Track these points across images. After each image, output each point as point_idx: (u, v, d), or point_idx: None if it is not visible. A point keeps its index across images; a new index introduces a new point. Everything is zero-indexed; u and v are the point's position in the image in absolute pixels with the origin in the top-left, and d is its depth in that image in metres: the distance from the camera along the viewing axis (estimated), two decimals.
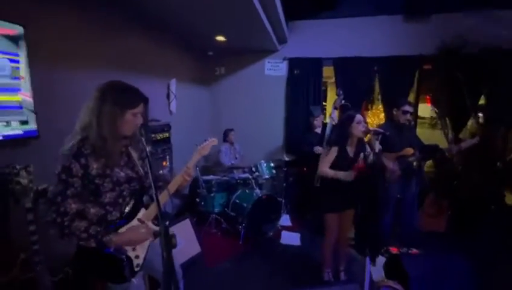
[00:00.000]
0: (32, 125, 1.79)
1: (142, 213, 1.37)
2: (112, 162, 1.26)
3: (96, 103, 1.20)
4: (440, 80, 3.68)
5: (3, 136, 1.61)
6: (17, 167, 1.27)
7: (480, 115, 3.72)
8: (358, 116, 2.24)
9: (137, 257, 1.34)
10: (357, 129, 2.22)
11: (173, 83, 3.57)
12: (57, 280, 1.48)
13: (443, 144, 3.73)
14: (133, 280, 1.31)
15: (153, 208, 1.38)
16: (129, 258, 1.31)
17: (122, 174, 1.29)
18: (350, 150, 2.28)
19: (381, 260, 2.64)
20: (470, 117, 3.71)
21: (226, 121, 4.65)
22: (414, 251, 2.80)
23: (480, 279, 2.17)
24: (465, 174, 3.55)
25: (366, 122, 2.34)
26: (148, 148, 1.18)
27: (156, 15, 2.79)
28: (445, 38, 3.53)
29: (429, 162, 3.77)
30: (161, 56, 3.40)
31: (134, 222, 1.34)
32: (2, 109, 1.61)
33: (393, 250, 2.85)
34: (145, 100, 1.28)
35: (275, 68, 4.52)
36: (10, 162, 1.38)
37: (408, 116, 2.80)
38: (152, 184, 1.09)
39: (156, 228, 1.37)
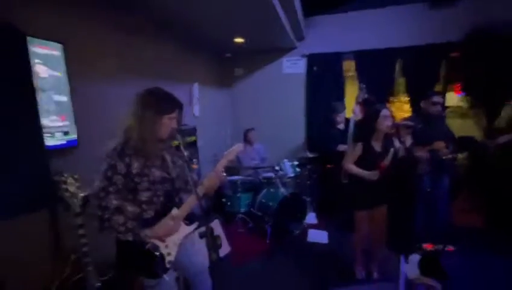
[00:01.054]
0: (73, 136, 1.91)
1: (174, 213, 1.44)
2: (150, 162, 1.36)
3: (137, 108, 1.31)
4: (470, 67, 3.50)
5: (49, 146, 1.73)
6: (65, 175, 1.37)
7: None
8: (385, 111, 2.19)
9: (169, 254, 1.42)
10: (383, 124, 2.16)
11: (195, 87, 3.66)
12: (105, 280, 1.57)
13: (475, 133, 3.56)
14: (165, 276, 1.39)
15: (184, 208, 1.45)
16: (162, 255, 1.38)
17: (157, 174, 1.38)
18: (377, 145, 2.23)
19: (415, 257, 2.57)
20: (505, 105, 3.49)
21: (246, 121, 4.68)
22: (450, 247, 2.69)
23: None
24: (503, 168, 3.34)
25: (393, 117, 2.28)
26: (186, 153, 1.24)
27: (180, 24, 2.88)
28: (474, 22, 3.35)
29: (463, 155, 3.59)
30: (184, 62, 3.51)
31: None
32: None
33: (428, 247, 2.75)
34: (180, 106, 1.38)
35: (293, 66, 4.49)
36: (54, 170, 1.50)
37: (438, 107, 2.70)
38: (192, 184, 1.16)
39: (190, 228, 1.48)
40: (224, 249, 2.76)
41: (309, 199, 3.80)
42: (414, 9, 3.77)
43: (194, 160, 3.09)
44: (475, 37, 3.36)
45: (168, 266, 1.41)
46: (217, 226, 2.79)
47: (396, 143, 2.30)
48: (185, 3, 2.38)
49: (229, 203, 3.61)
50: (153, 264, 1.35)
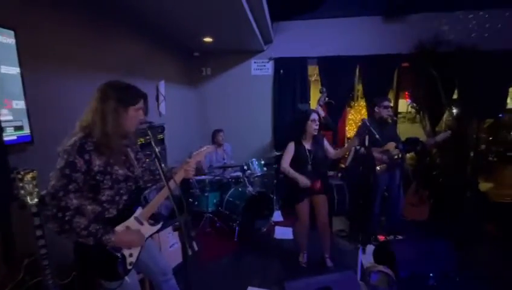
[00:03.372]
0: (26, 131, 1.77)
1: (139, 212, 1.41)
2: (114, 159, 1.29)
3: (98, 102, 1.24)
4: (417, 77, 3.92)
5: None
6: (22, 172, 1.28)
7: (454, 109, 4.00)
8: (313, 115, 2.48)
9: (131, 255, 1.37)
10: (311, 127, 2.46)
11: (162, 84, 3.57)
12: (65, 283, 1.48)
13: (421, 137, 3.98)
14: (126, 278, 1.34)
15: (149, 207, 1.42)
16: (123, 256, 1.34)
17: (121, 172, 1.32)
18: (307, 144, 2.52)
19: (369, 248, 2.81)
20: (445, 111, 3.98)
21: (213, 121, 4.69)
22: (399, 238, 2.99)
23: (458, 258, 2.40)
24: (443, 165, 3.81)
25: (320, 120, 2.54)
26: (157, 149, 1.22)
27: (145, 18, 2.80)
28: (421, 37, 3.77)
29: (410, 155, 4.00)
30: (150, 58, 3.40)
31: (131, 220, 1.38)
32: None
33: (381, 238, 3.02)
34: (144, 96, 1.35)
35: (261, 68, 4.61)
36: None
37: (390, 111, 2.98)
38: (164, 179, 1.14)
39: (154, 228, 1.46)
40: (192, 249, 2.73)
41: (275, 197, 3.92)
42: (372, 21, 4.10)
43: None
44: (420, 51, 3.78)
45: (129, 267, 1.36)
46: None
47: (325, 142, 2.61)
48: (152, 2, 2.35)
49: (196, 203, 3.58)
50: (114, 266, 1.30)
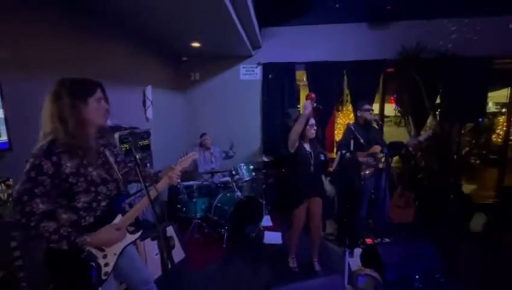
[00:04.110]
0: (4, 138, 1.72)
1: (118, 219, 1.37)
2: (88, 160, 1.24)
3: (53, 104, 1.19)
4: (401, 82, 4.01)
5: None
6: None
7: (438, 113, 4.10)
8: (312, 120, 2.57)
9: (106, 264, 1.31)
10: (309, 131, 2.56)
11: (149, 89, 3.53)
12: None
13: (406, 140, 4.07)
14: (100, 289, 1.29)
15: (129, 215, 1.39)
16: (98, 265, 1.28)
17: (94, 173, 1.27)
18: (307, 146, 2.61)
19: (357, 251, 2.83)
20: (429, 115, 4.08)
21: (203, 126, 4.65)
22: (386, 240, 3.02)
23: (443, 259, 2.42)
24: (427, 168, 3.89)
25: (316, 125, 2.65)
26: (137, 156, 1.20)
27: (131, 23, 2.77)
28: (405, 44, 3.87)
29: (396, 158, 4.07)
30: (136, 63, 3.36)
31: None
32: None
33: (368, 241, 3.05)
34: (99, 84, 1.30)
35: (250, 73, 4.62)
36: None
37: (371, 113, 3.02)
38: (143, 185, 1.11)
39: (133, 237, 1.42)
40: (179, 256, 2.69)
41: (264, 202, 3.92)
42: (357, 28, 4.19)
43: (147, 164, 2.98)
44: (404, 57, 3.88)
45: (104, 277, 1.30)
46: (170, 232, 2.71)
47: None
48: (138, 6, 2.33)
49: (184, 209, 3.53)
50: (88, 276, 1.23)
